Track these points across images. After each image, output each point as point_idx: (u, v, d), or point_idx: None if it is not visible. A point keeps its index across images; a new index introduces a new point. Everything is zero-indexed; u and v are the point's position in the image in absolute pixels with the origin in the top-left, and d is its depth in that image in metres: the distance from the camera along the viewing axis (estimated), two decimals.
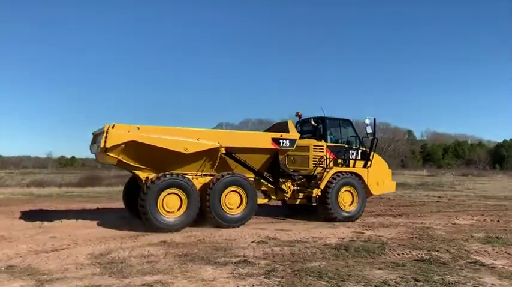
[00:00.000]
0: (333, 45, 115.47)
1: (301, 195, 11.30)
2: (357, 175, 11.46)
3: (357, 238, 8.52)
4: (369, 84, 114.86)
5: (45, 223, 10.16)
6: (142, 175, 9.52)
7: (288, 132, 10.63)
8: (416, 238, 8.58)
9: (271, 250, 7.21)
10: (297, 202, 11.41)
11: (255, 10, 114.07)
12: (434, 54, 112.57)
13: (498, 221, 11.10)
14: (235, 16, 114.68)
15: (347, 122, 12.30)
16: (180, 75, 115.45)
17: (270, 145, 10.36)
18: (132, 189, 10.48)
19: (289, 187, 11.20)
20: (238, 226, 9.74)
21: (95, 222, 10.32)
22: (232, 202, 9.83)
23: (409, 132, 74.59)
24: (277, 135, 10.49)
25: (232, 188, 9.82)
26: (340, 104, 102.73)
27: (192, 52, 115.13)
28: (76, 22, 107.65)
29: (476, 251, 7.18)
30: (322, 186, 10.85)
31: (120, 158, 9.09)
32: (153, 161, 9.45)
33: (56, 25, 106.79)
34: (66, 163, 71.96)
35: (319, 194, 10.88)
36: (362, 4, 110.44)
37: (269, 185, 10.95)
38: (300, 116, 12.19)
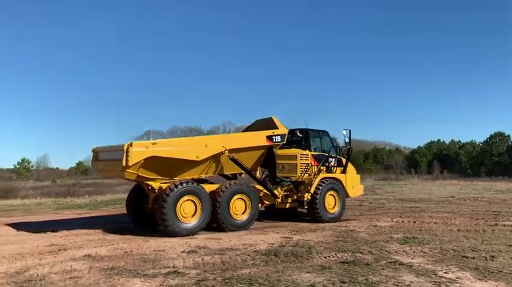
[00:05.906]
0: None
1: (289, 199, 12.28)
2: (338, 180, 12.70)
3: (286, 243, 8.69)
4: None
5: None
6: (155, 185, 10.01)
7: (275, 128, 11.49)
8: (341, 240, 8.95)
9: (202, 259, 7.14)
10: (287, 206, 12.37)
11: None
12: (352, 62, 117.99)
13: (414, 222, 11.90)
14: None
15: (325, 133, 13.57)
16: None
17: (265, 142, 11.33)
18: (138, 198, 11.00)
19: (279, 192, 12.03)
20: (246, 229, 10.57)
21: (8, 238, 9.56)
22: (238, 208, 10.62)
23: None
24: (269, 132, 11.40)
25: (238, 196, 10.62)
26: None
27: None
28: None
29: (395, 251, 7.65)
30: (312, 191, 11.85)
31: (138, 173, 9.58)
32: (166, 171, 10.05)
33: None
34: None
35: (309, 198, 11.85)
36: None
37: (264, 190, 11.68)
38: None
